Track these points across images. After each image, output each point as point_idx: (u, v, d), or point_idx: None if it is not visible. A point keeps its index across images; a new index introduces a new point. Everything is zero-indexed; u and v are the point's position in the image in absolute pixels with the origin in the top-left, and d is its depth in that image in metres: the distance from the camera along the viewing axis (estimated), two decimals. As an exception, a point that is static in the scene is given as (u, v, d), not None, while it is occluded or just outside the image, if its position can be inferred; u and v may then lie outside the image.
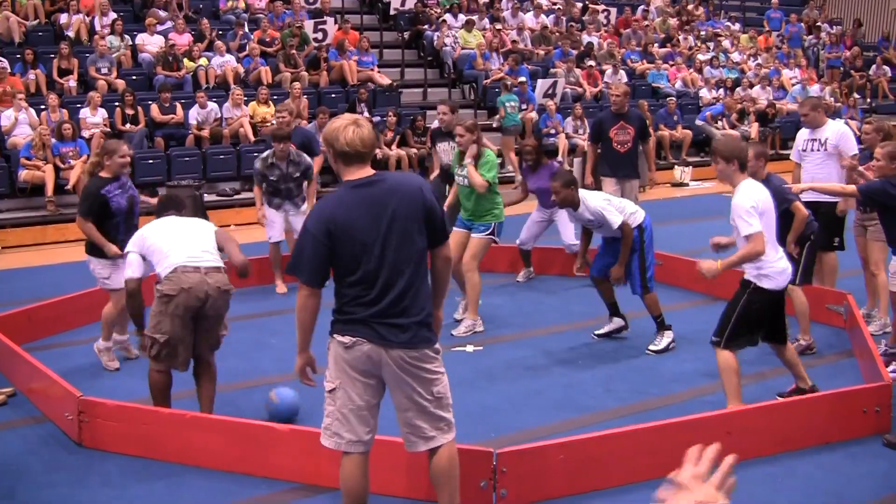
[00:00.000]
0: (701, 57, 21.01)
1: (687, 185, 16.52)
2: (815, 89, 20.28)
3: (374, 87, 16.46)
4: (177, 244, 5.50)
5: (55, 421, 5.82)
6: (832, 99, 20.14)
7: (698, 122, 18.15)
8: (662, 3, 23.71)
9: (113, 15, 15.90)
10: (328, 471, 4.61)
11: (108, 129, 13.47)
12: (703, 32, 22.95)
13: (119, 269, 6.64)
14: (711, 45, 22.24)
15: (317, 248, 3.95)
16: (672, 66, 20.25)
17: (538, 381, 6.59)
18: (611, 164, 9.53)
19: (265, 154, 8.96)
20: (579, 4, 22.08)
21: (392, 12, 18.91)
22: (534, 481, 4.77)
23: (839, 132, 7.65)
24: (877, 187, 6.06)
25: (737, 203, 5.43)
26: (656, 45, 21.09)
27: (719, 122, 18.26)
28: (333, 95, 16.05)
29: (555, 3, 21.69)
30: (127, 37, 15.57)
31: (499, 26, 19.31)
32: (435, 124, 9.70)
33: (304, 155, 9.10)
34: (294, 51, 16.28)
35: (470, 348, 7.29)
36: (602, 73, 18.90)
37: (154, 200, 6.79)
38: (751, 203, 5.37)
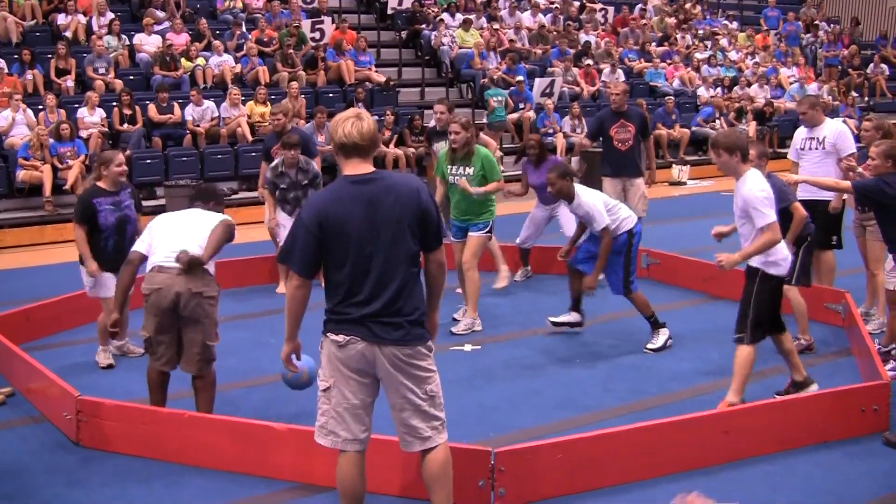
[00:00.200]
0: (698, 56, 21.02)
1: (685, 183, 16.54)
2: (812, 88, 20.29)
3: (372, 86, 16.46)
4: (164, 242, 5.49)
5: (53, 421, 5.82)
6: (830, 97, 20.16)
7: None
8: (660, 1, 23.70)
9: (110, 15, 15.90)
10: (327, 470, 4.61)
11: (106, 129, 13.48)
12: (700, 31, 22.97)
13: (101, 281, 6.74)
14: (709, 43, 22.25)
15: (308, 239, 3.97)
16: (670, 64, 20.26)
17: (536, 380, 6.59)
18: (612, 163, 9.53)
19: (275, 163, 8.96)
20: (577, 3, 22.08)
21: (389, 11, 18.91)
22: (532, 480, 4.77)
23: (837, 131, 7.65)
24: (871, 185, 6.08)
25: (749, 194, 5.51)
26: (654, 43, 21.09)
27: (716, 122, 18.27)
28: (331, 95, 16.05)
29: (552, 2, 21.69)
30: (124, 37, 15.56)
31: (496, 25, 19.33)
32: (431, 123, 9.71)
33: (313, 163, 9.11)
34: (291, 50, 16.28)
35: (468, 347, 7.29)
36: (600, 72, 18.91)
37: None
38: (764, 193, 5.49)
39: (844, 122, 8.84)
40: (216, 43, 15.92)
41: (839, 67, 22.99)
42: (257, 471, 5.08)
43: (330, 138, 4.10)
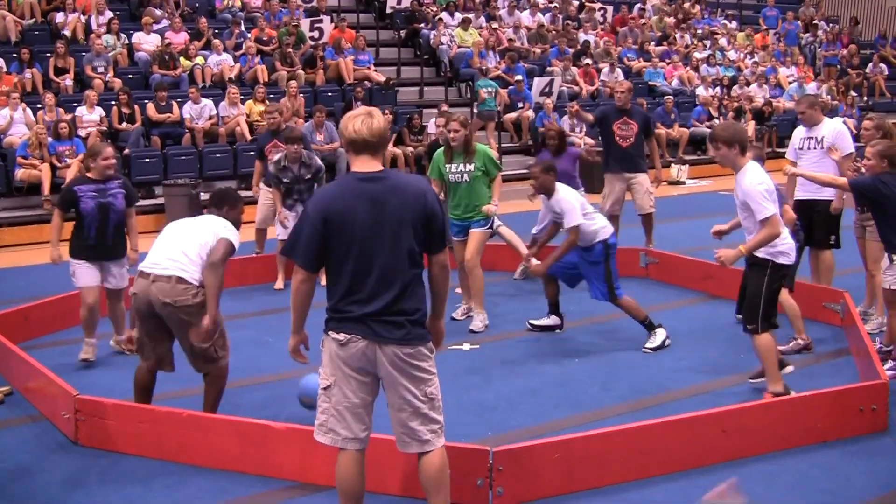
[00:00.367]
0: (697, 55, 21.03)
1: (684, 183, 16.56)
2: (811, 87, 20.31)
3: (371, 85, 16.46)
4: (157, 247, 5.51)
5: (52, 420, 5.82)
6: (829, 97, 20.18)
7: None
8: (659, 1, 23.72)
9: (109, 14, 15.91)
10: (325, 469, 4.61)
11: (105, 128, 13.48)
12: (699, 30, 22.97)
13: (78, 271, 6.81)
14: (708, 43, 22.26)
15: (312, 233, 3.99)
16: (669, 64, 20.27)
17: (534, 379, 6.59)
18: (614, 159, 9.55)
19: (277, 157, 8.96)
20: (576, 3, 22.10)
21: (388, 10, 18.91)
22: (530, 479, 4.77)
23: (835, 130, 7.66)
24: (868, 183, 6.17)
25: (749, 187, 5.55)
26: (653, 43, 21.10)
27: (715, 121, 18.26)
28: (330, 94, 16.05)
29: (551, 2, 21.70)
30: (123, 35, 15.57)
31: (495, 25, 19.34)
32: (431, 129, 9.68)
33: (315, 157, 9.10)
34: (290, 49, 16.29)
35: (466, 346, 7.29)
36: (598, 71, 18.91)
37: None
38: (764, 185, 5.54)
39: (844, 122, 8.84)
40: (215, 42, 15.93)
41: (838, 67, 23.00)
42: (256, 470, 5.08)
43: (340, 134, 4.14)
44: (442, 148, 7.82)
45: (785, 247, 5.72)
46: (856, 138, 8.25)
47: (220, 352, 5.52)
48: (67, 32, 15.38)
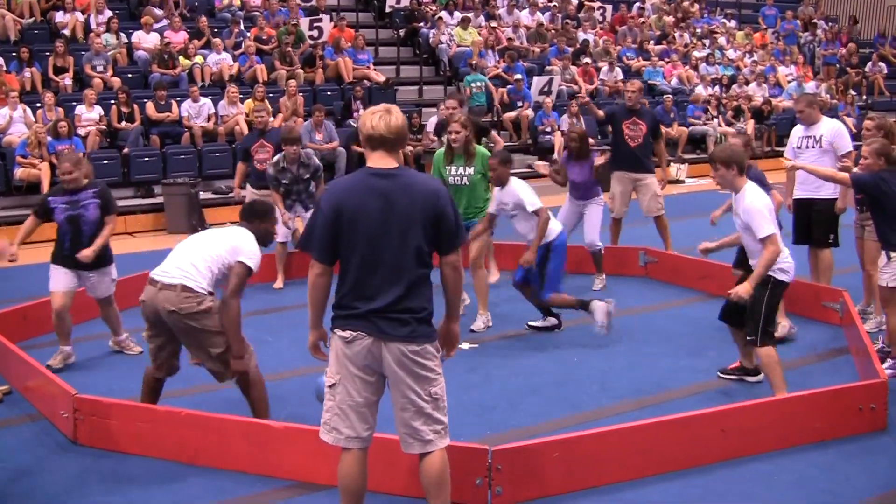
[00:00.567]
0: (697, 54, 21.02)
1: (683, 182, 16.55)
2: (810, 86, 20.31)
3: (370, 84, 16.45)
4: (170, 256, 5.50)
5: (51, 419, 5.82)
6: (828, 96, 20.17)
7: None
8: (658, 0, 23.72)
9: (109, 13, 15.90)
10: (326, 469, 4.61)
11: (104, 127, 13.49)
12: (698, 29, 22.96)
13: (53, 276, 6.83)
14: (707, 42, 22.25)
15: (326, 225, 4.01)
16: (668, 63, 20.26)
17: (533, 378, 6.59)
18: (621, 158, 9.53)
19: (276, 158, 8.94)
20: (575, 2, 22.08)
21: (388, 10, 18.90)
22: (529, 479, 4.77)
23: (834, 129, 7.67)
24: (868, 180, 6.22)
25: (749, 206, 5.62)
26: (652, 42, 21.09)
27: (714, 120, 18.27)
28: (329, 93, 16.05)
29: (550, 1, 21.69)
30: (123, 35, 15.56)
31: (494, 24, 19.33)
32: (434, 119, 9.67)
33: (314, 157, 9.08)
34: (290, 48, 16.28)
35: (466, 346, 7.28)
36: (598, 70, 18.90)
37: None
38: (762, 205, 5.61)
39: (843, 120, 8.84)
40: (214, 41, 15.92)
41: (837, 66, 22.99)
42: (256, 469, 5.08)
43: (359, 130, 4.16)
44: (442, 149, 7.82)
45: (785, 264, 5.76)
46: (855, 137, 8.25)
47: (233, 356, 5.40)
48: (67, 31, 15.38)
